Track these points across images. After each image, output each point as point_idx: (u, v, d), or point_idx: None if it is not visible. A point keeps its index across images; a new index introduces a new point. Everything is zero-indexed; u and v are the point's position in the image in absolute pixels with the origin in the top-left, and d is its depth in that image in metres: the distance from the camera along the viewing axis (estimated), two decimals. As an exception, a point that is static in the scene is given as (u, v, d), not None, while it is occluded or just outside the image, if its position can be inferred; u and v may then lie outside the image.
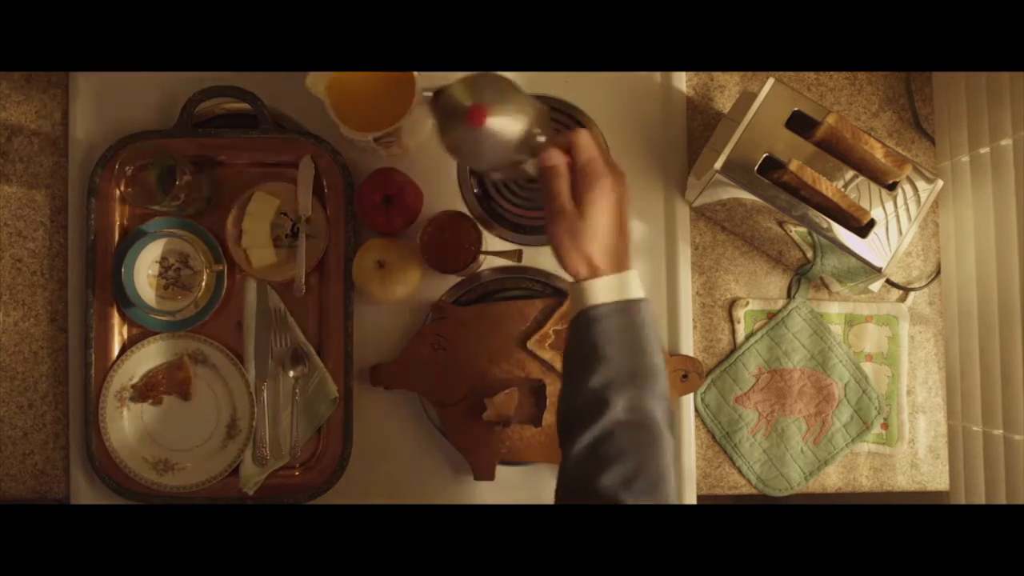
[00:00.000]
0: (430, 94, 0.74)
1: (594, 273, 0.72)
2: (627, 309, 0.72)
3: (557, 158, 0.74)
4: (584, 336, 0.72)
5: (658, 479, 0.70)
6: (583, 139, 0.74)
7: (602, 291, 0.72)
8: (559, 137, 0.75)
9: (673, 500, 0.70)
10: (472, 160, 0.79)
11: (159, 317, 0.97)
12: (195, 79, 1.00)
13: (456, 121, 0.71)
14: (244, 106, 0.99)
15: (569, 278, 0.74)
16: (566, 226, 0.72)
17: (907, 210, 0.87)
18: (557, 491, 0.73)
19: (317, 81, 0.89)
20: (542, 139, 0.74)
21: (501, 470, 0.99)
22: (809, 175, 0.84)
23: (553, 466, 1.00)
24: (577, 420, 0.71)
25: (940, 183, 0.87)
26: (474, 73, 0.74)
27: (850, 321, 1.02)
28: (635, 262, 1.00)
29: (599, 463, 0.69)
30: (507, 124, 0.71)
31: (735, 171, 0.86)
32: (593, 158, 0.73)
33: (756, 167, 0.86)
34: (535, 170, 0.76)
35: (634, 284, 0.73)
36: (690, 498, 1.00)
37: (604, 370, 0.71)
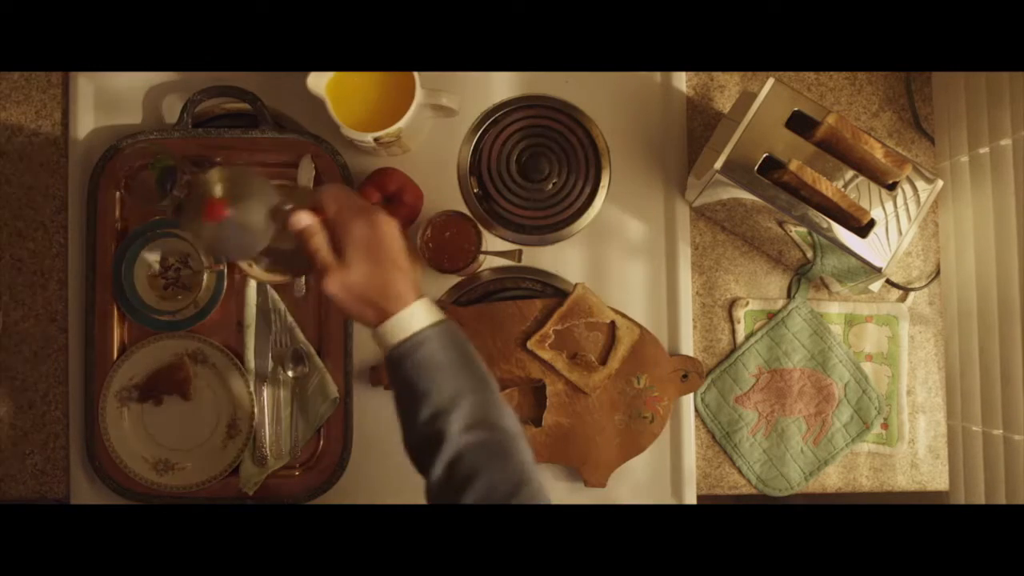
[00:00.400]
0: (167, 203, 0.76)
1: (382, 316, 0.72)
2: (422, 342, 0.72)
3: (305, 219, 0.73)
4: (396, 378, 0.73)
5: (520, 482, 0.70)
6: (327, 194, 0.74)
7: (394, 332, 0.72)
8: (302, 199, 0.75)
9: (544, 492, 0.71)
10: (227, 253, 0.79)
11: (159, 317, 0.97)
12: (195, 79, 1.00)
13: (197, 219, 0.72)
14: (244, 106, 0.99)
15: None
16: (337, 280, 0.72)
17: (907, 210, 0.87)
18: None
19: (317, 81, 0.89)
20: (288, 207, 0.74)
21: (501, 470, 0.99)
22: (809, 175, 0.84)
23: (553, 466, 1.00)
24: (422, 455, 0.72)
25: (940, 183, 0.87)
26: (212, 168, 0.75)
27: (850, 321, 1.02)
28: (634, 262, 1.01)
29: (457, 487, 0.69)
30: (246, 211, 0.72)
31: (735, 171, 0.86)
32: (341, 207, 0.73)
33: (756, 167, 0.86)
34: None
35: (420, 313, 0.73)
36: (690, 498, 1.00)
37: (426, 404, 0.71)
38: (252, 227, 0.73)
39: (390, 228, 0.74)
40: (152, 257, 0.98)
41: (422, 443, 0.72)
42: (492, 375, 0.75)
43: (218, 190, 0.72)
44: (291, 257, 0.78)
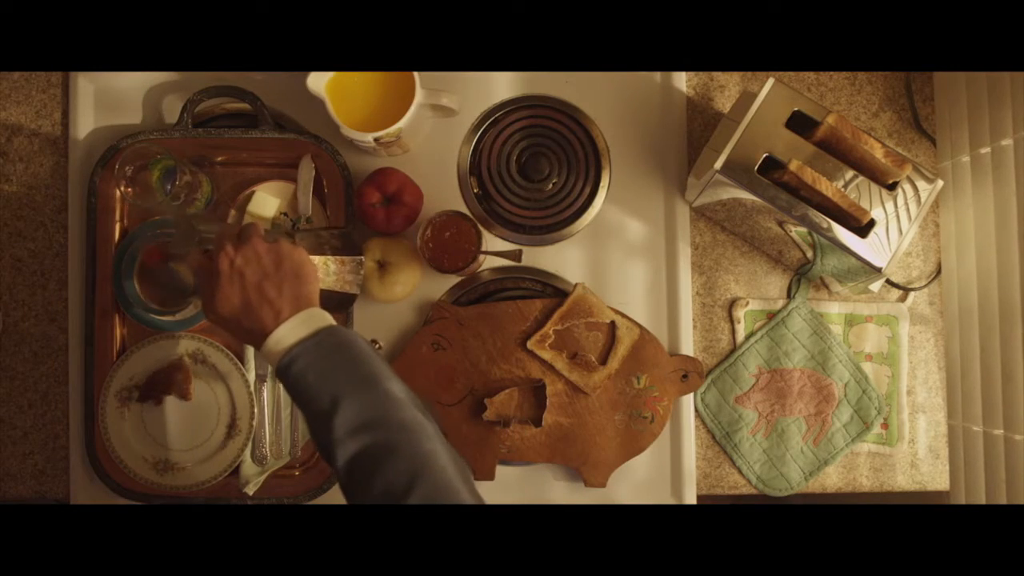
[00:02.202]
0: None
1: (261, 337, 0.75)
2: (295, 357, 0.73)
3: (194, 260, 0.81)
4: (288, 392, 0.75)
5: (415, 475, 0.70)
6: (220, 232, 0.80)
7: (271, 351, 0.74)
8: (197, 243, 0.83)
9: (448, 474, 0.71)
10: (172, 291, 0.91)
11: (159, 317, 0.97)
12: (195, 79, 1.00)
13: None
14: (244, 106, 0.99)
15: None
16: (208, 310, 0.78)
17: (907, 210, 0.87)
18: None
19: (317, 81, 0.89)
20: (212, 234, 0.83)
21: (501, 470, 0.99)
22: (809, 175, 0.84)
23: (553, 466, 1.00)
24: (325, 456, 0.73)
25: (940, 183, 0.87)
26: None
27: (850, 321, 1.02)
28: (634, 262, 1.01)
29: (360, 491, 0.71)
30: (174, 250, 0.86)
31: (735, 171, 0.86)
32: (218, 239, 0.79)
33: (756, 167, 0.86)
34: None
35: (293, 329, 0.75)
36: (690, 498, 1.00)
37: (312, 415, 0.73)
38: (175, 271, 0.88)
39: (256, 248, 0.77)
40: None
41: (321, 450, 0.73)
42: (385, 367, 0.75)
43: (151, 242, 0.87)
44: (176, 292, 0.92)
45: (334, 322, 0.77)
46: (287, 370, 0.73)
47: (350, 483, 0.71)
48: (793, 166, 0.84)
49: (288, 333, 0.74)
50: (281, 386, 0.99)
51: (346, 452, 0.70)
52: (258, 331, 0.75)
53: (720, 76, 1.04)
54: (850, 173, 0.87)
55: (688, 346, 1.01)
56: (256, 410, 0.97)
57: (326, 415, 0.71)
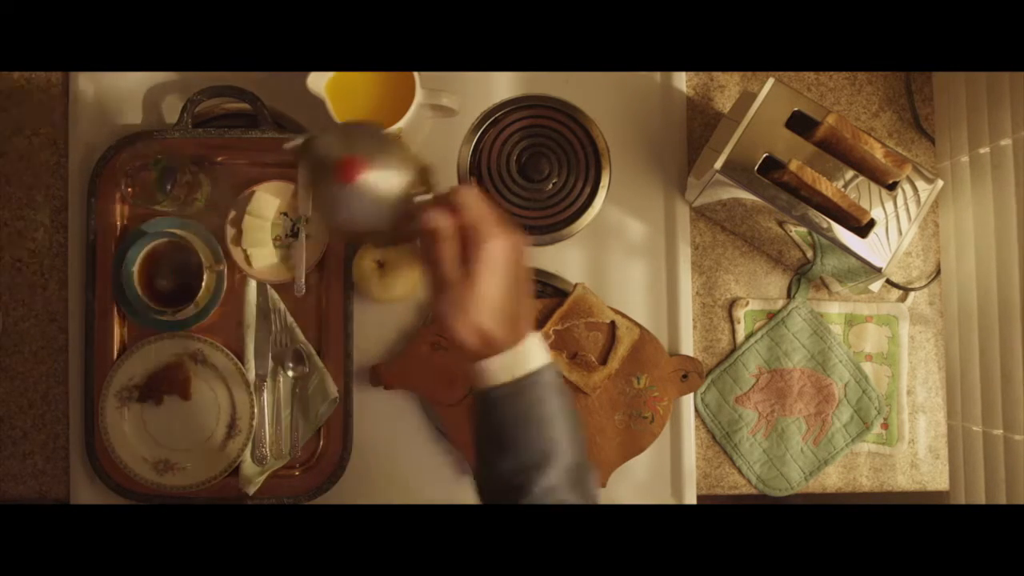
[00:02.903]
0: (297, 142, 0.66)
1: (488, 345, 0.64)
2: (526, 387, 0.64)
3: (441, 220, 0.63)
4: (486, 420, 0.66)
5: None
6: (469, 197, 0.64)
7: (498, 371, 0.64)
8: (441, 195, 0.66)
9: None
10: (342, 222, 0.67)
11: (159, 317, 0.97)
12: (195, 79, 1.00)
13: (324, 175, 0.63)
14: (244, 106, 0.99)
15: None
16: (453, 297, 0.63)
17: (907, 210, 0.87)
18: None
19: (317, 81, 0.89)
20: (425, 198, 0.66)
21: (501, 470, 0.99)
22: (809, 175, 0.84)
23: (553, 466, 1.00)
24: (494, 499, 0.67)
25: (940, 183, 0.87)
26: (349, 121, 0.66)
27: (850, 321, 1.02)
28: (634, 262, 1.01)
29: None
30: (383, 180, 0.63)
31: (735, 171, 0.86)
32: (482, 217, 0.63)
33: (756, 167, 0.86)
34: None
35: (532, 352, 0.65)
36: (690, 498, 1.00)
37: (512, 456, 0.65)
38: (382, 200, 0.64)
39: (525, 252, 0.66)
40: (152, 257, 0.98)
41: (497, 491, 0.66)
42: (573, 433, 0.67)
43: (358, 150, 0.64)
44: (389, 239, 0.68)
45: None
46: (511, 399, 0.64)
47: (494, 499, 0.65)
48: (793, 166, 0.84)
49: (528, 356, 0.64)
50: (281, 386, 0.99)
51: (531, 500, 0.64)
52: (493, 341, 0.64)
53: (720, 76, 1.04)
54: (850, 173, 0.87)
55: (688, 346, 1.01)
56: (256, 410, 0.97)
57: (533, 464, 0.64)
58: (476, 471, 0.69)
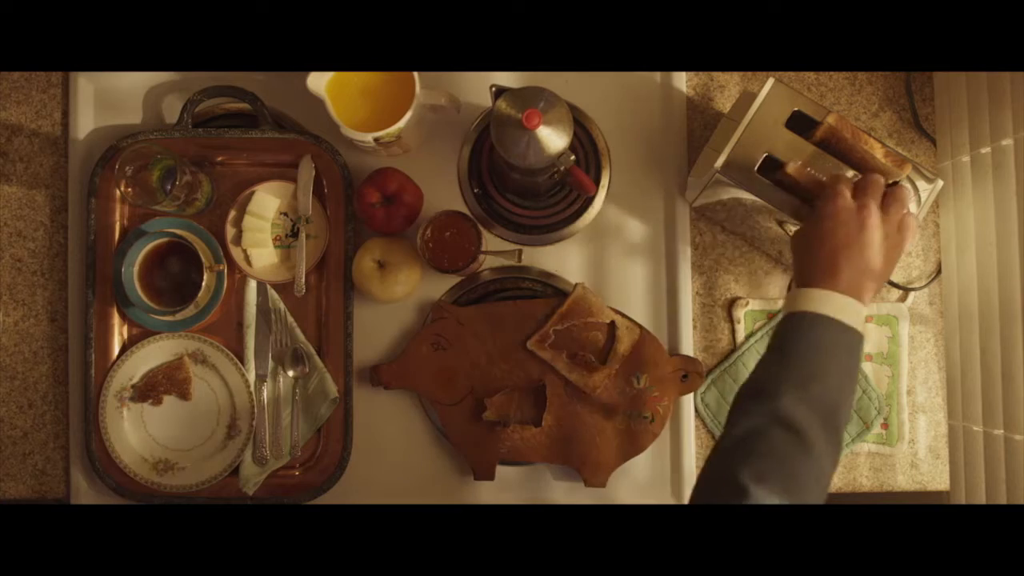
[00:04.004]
0: (494, 88, 0.84)
1: (835, 284, 0.73)
2: (852, 332, 0.73)
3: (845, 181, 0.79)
4: (795, 334, 0.73)
5: (791, 484, 0.68)
6: (907, 194, 0.79)
7: (842, 307, 0.73)
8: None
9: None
10: (516, 157, 0.84)
11: (159, 317, 0.97)
12: (195, 79, 1.00)
13: (512, 121, 0.81)
14: (244, 106, 0.99)
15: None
16: (846, 230, 0.74)
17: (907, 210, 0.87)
18: (698, 482, 0.73)
19: (317, 81, 0.89)
20: (572, 158, 0.85)
21: (501, 470, 0.99)
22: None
23: (553, 466, 1.00)
24: (745, 399, 0.72)
25: (940, 183, 0.87)
26: (544, 89, 0.82)
27: (850, 321, 1.02)
28: (634, 262, 1.01)
29: (743, 456, 0.68)
30: (553, 136, 0.81)
31: (735, 171, 0.86)
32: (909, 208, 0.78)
33: (756, 167, 0.86)
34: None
35: (862, 316, 0.74)
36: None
37: (790, 369, 0.71)
38: (547, 148, 0.82)
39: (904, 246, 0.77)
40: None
41: (755, 388, 0.72)
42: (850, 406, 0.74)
43: (538, 104, 0.81)
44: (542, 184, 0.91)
45: None
46: (819, 329, 0.72)
47: (736, 448, 0.69)
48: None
49: (860, 314, 0.73)
50: (281, 386, 0.99)
51: (760, 418, 0.69)
52: (804, 277, 0.75)
53: (720, 76, 1.04)
54: (850, 173, 0.87)
55: (688, 346, 1.01)
56: (256, 410, 0.97)
57: (785, 381, 0.70)
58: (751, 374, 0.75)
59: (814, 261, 0.75)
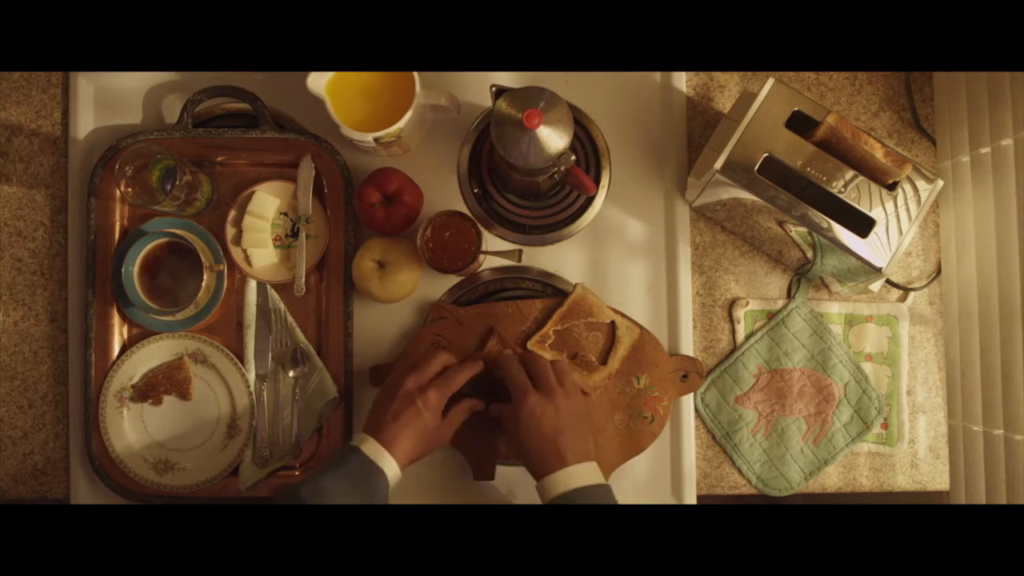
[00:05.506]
0: (494, 88, 0.84)
1: (567, 462, 0.84)
2: (608, 489, 0.85)
3: (496, 408, 0.91)
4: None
5: None
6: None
7: (550, 485, 0.84)
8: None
9: None
10: (515, 156, 0.85)
11: (159, 317, 0.97)
12: (195, 79, 1.00)
13: (512, 121, 0.81)
14: (244, 106, 0.99)
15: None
16: (512, 442, 0.87)
17: (907, 210, 0.87)
18: None
19: (317, 81, 0.89)
20: (572, 158, 0.85)
21: (501, 470, 0.99)
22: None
23: (553, 466, 1.00)
24: None
25: (940, 183, 0.87)
26: (544, 89, 0.83)
27: (850, 321, 1.02)
28: (634, 262, 1.01)
29: None
30: (552, 135, 0.82)
31: (735, 171, 0.86)
32: (515, 387, 0.89)
33: (756, 167, 0.86)
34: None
35: (576, 478, 0.84)
36: (690, 498, 1.00)
37: None
38: (547, 148, 0.82)
39: (557, 403, 0.87)
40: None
41: None
42: None
43: (538, 104, 0.82)
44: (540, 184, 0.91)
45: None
46: (602, 489, 0.84)
47: None
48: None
49: (578, 475, 0.84)
50: (281, 386, 0.99)
51: None
52: (542, 468, 0.85)
53: (720, 76, 1.04)
54: (850, 173, 0.87)
55: (688, 346, 1.01)
56: (256, 410, 0.97)
57: None
58: None
59: (544, 456, 0.85)
